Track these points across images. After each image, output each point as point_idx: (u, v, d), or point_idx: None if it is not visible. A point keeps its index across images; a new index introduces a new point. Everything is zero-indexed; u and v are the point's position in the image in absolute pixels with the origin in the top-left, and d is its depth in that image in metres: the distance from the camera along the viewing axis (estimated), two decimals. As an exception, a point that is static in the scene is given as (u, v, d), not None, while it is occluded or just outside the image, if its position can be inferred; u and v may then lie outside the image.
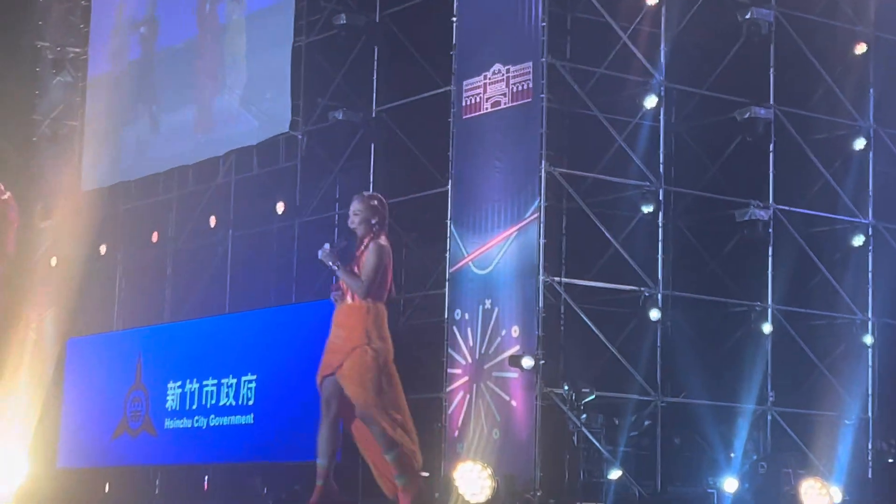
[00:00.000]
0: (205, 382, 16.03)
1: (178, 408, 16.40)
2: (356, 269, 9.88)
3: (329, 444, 10.12)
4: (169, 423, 16.48)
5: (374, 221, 9.94)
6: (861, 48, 15.19)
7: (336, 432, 10.26)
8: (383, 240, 9.94)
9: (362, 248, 9.93)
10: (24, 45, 19.34)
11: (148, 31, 18.55)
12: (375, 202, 10.04)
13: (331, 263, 9.87)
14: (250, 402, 15.29)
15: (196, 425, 16.08)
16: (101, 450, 17.23)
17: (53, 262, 18.59)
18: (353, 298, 9.87)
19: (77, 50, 19.55)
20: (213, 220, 17.55)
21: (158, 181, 18.40)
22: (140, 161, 18.35)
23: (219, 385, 15.82)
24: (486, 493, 10.64)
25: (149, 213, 18.65)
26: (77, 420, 17.55)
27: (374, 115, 15.55)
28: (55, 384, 17.57)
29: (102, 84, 19.02)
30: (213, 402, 15.87)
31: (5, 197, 8.89)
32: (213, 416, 15.85)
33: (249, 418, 15.33)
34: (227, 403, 15.61)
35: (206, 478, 16.51)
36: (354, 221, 9.97)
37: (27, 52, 19.33)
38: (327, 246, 9.91)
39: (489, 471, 9.58)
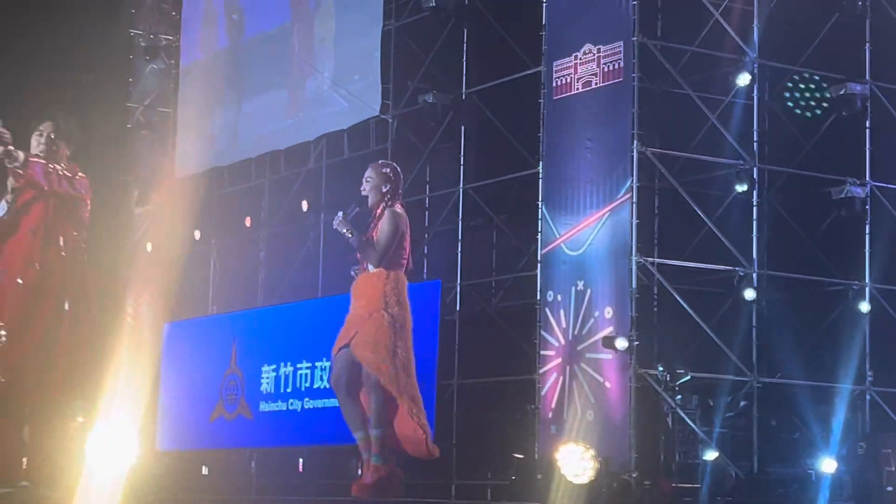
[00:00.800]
0: (299, 366, 16.15)
1: (272, 391, 16.55)
2: (372, 238, 9.82)
3: (356, 416, 10.10)
4: (264, 406, 16.64)
5: (385, 189, 9.90)
6: (959, 21, 14.89)
7: (358, 402, 10.24)
8: (398, 208, 9.88)
9: (375, 216, 9.87)
10: (117, 33, 19.57)
11: (238, 18, 18.70)
12: (388, 170, 10.03)
13: (345, 231, 9.83)
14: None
15: (290, 408, 16.21)
16: (198, 433, 17.46)
17: (149, 247, 18.83)
18: (369, 268, 9.82)
19: (169, 37, 19.76)
20: (304, 205, 17.67)
21: (250, 166, 18.57)
22: (232, 147, 18.52)
23: (313, 368, 15.93)
24: (590, 474, 10.60)
25: (242, 198, 18.82)
26: (175, 404, 17.79)
27: (464, 97, 15.54)
28: (152, 368, 17.80)
29: (194, 71, 19.22)
30: (308, 384, 15.99)
31: (81, 175, 9.01)
32: (307, 398, 15.97)
33: (344, 401, 15.40)
34: (321, 386, 15.72)
35: (301, 460, 16.65)
36: (366, 188, 9.96)
37: (120, 40, 19.57)
38: (340, 214, 9.88)
39: (592, 452, 9.55)
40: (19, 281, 8.80)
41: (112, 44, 19.41)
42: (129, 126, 19.71)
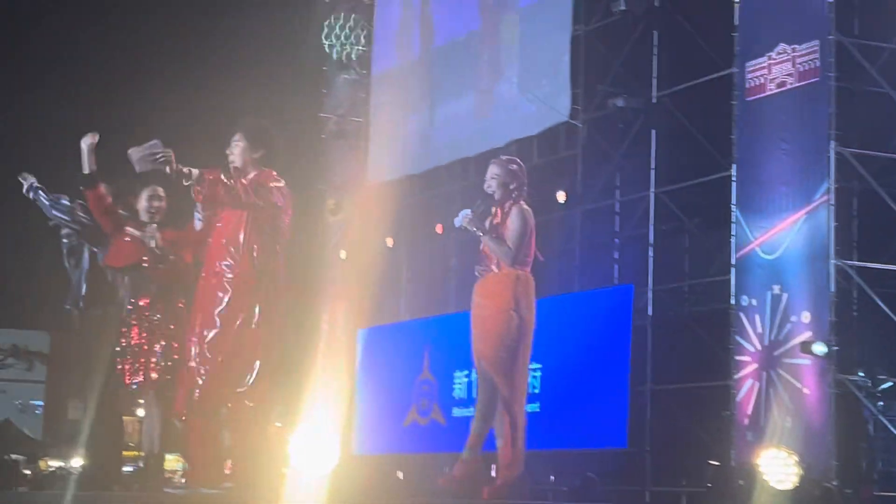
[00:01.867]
0: (490, 371, 16.18)
1: (465, 396, 16.64)
2: (502, 236, 9.59)
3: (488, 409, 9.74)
4: (456, 412, 16.74)
5: (512, 186, 9.64)
6: None
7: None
8: (524, 205, 9.65)
9: (502, 213, 9.65)
10: (310, 45, 19.99)
11: (429, 26, 18.89)
12: (514, 167, 9.77)
13: (475, 229, 9.60)
14: (536, 391, 15.37)
15: (483, 413, 16.26)
16: (393, 437, 17.67)
17: (343, 255, 19.13)
18: (499, 267, 9.59)
19: (361, 48, 20.08)
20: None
21: (441, 173, 18.71)
22: (424, 154, 18.70)
23: (504, 373, 15.94)
24: (794, 480, 10.36)
25: (433, 204, 18.96)
26: (370, 408, 18.03)
27: (654, 100, 15.41)
28: (349, 374, 18.09)
29: (386, 80, 19.49)
30: (499, 390, 16.01)
31: (280, 184, 9.07)
32: (499, 404, 15.99)
33: (535, 406, 15.40)
34: (513, 392, 15.71)
35: (494, 465, 16.67)
36: (492, 185, 9.68)
37: (314, 52, 19.97)
38: (468, 212, 9.63)
39: (796, 458, 9.34)
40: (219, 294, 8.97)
41: (305, 56, 19.84)
42: (323, 136, 20.07)
